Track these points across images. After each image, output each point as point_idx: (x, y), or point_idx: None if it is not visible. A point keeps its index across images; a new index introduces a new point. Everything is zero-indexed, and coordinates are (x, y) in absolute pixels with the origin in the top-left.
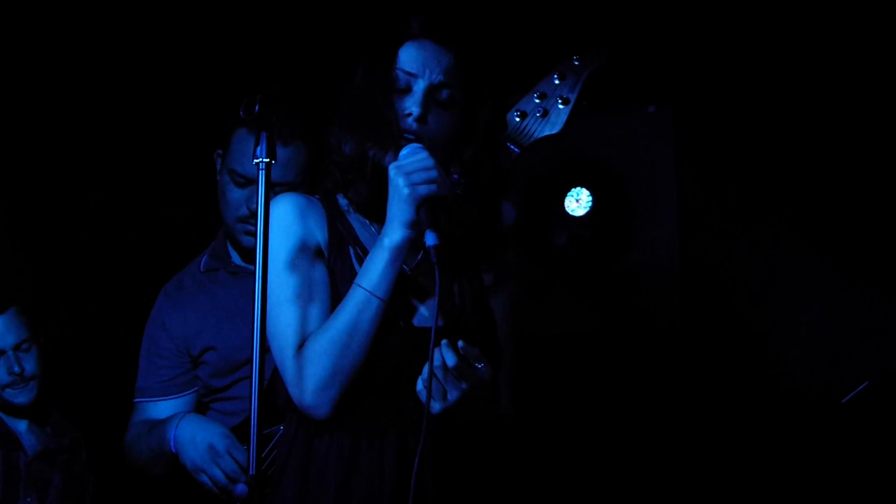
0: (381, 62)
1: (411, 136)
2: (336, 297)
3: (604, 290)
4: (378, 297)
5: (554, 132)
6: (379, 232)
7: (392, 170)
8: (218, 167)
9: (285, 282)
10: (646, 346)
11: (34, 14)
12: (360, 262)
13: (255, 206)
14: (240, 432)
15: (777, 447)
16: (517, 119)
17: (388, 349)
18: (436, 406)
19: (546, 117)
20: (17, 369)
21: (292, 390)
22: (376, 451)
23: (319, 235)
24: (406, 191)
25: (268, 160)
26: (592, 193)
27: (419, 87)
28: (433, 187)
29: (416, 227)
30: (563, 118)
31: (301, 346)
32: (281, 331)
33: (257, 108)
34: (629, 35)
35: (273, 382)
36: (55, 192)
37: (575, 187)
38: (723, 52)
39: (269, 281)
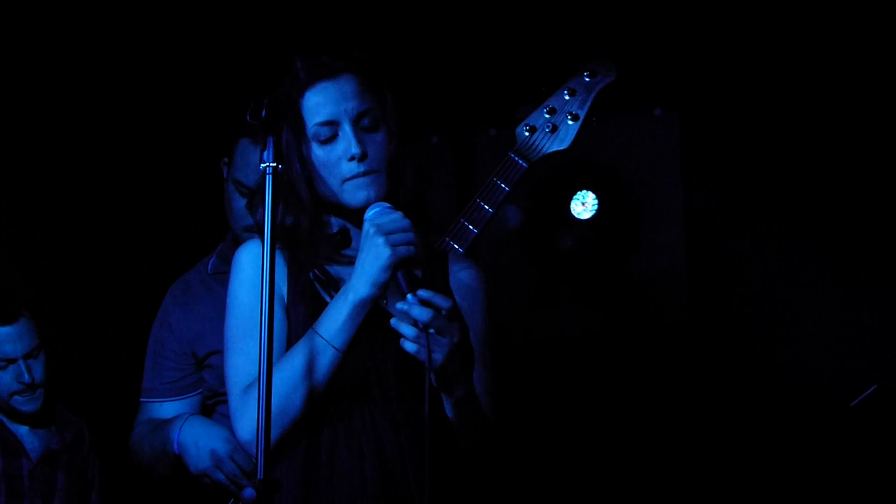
0: (294, 125)
1: (361, 173)
2: (291, 340)
3: (610, 294)
4: (335, 348)
5: (563, 148)
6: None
7: (370, 226)
8: (224, 175)
9: (239, 326)
10: (652, 350)
11: (39, 26)
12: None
13: (260, 216)
14: None
15: (784, 451)
16: (526, 134)
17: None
18: (437, 356)
19: (555, 133)
20: (27, 378)
21: (234, 425)
22: (355, 453)
23: (281, 283)
24: (387, 251)
25: (275, 165)
26: (598, 196)
27: (346, 127)
28: (412, 249)
29: (384, 288)
30: (572, 134)
31: (249, 385)
32: (231, 371)
33: (264, 112)
34: (635, 38)
35: None
36: (60, 189)
37: (581, 190)
38: (729, 54)
39: (227, 325)
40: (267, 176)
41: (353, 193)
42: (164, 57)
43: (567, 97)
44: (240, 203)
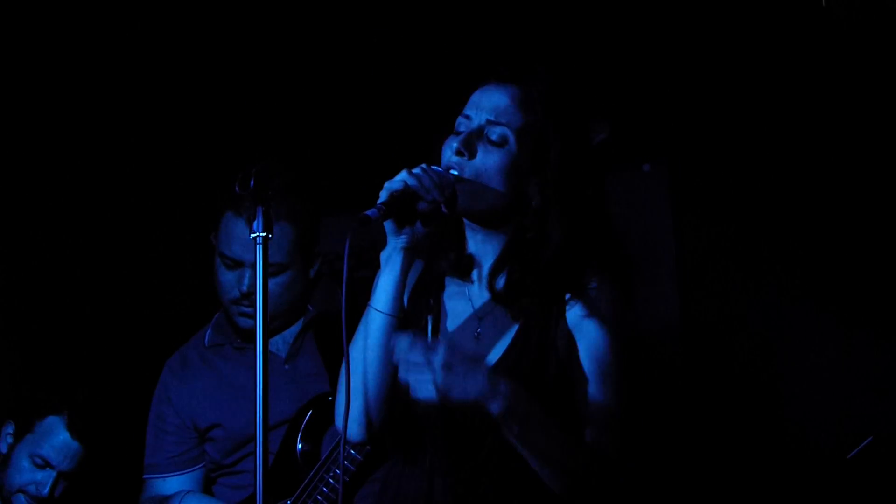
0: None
1: (454, 172)
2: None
3: None
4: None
5: None
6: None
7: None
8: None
9: None
10: (648, 404)
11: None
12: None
13: (245, 287)
14: None
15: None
16: None
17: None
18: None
19: None
20: (45, 493)
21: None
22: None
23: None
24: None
25: (265, 234)
26: None
27: (469, 126)
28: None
29: None
30: None
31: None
32: None
33: (252, 182)
34: (620, 94)
35: (280, 457)
36: (55, 264)
37: None
38: (716, 106)
39: None
40: (257, 246)
41: None
42: (159, 130)
43: None
44: (226, 276)
